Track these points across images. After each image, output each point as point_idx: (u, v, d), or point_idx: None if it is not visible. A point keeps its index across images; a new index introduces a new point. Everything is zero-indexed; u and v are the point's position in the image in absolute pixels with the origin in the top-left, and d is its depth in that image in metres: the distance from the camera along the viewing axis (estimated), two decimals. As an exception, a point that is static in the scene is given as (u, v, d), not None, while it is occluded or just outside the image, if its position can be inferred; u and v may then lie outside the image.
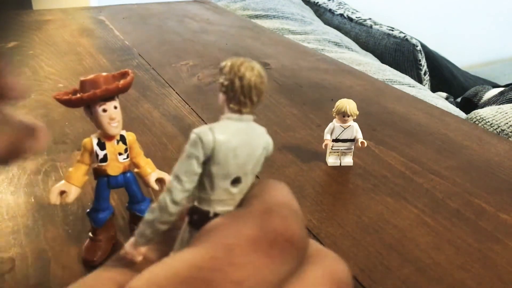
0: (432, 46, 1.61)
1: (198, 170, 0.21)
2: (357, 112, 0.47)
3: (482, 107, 1.04)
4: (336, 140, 0.49)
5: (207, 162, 0.21)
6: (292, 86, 0.73)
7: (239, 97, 0.22)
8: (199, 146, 0.21)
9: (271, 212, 0.19)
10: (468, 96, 1.25)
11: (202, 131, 0.21)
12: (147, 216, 0.21)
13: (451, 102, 1.22)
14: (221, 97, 0.22)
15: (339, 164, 0.50)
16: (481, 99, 1.21)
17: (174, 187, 0.21)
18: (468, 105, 1.22)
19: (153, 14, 1.21)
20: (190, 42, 0.97)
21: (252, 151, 0.22)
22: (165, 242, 0.22)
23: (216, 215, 0.21)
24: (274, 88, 0.72)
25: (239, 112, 0.22)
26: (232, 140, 0.21)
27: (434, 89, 1.45)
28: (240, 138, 0.22)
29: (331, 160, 0.50)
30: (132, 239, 0.21)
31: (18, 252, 0.37)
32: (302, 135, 0.57)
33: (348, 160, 0.50)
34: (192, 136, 0.21)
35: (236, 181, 0.22)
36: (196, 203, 0.22)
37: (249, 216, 0.19)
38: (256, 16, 1.35)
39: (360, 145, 0.48)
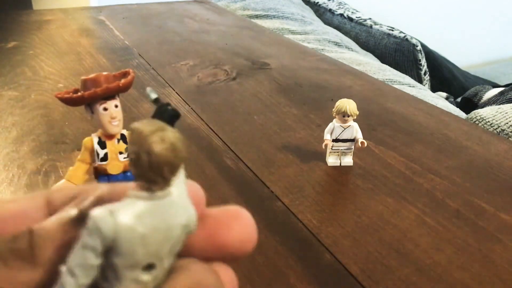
0: (432, 46, 1.61)
1: (96, 262, 0.18)
2: (357, 112, 0.47)
3: (482, 107, 1.04)
4: (336, 140, 0.49)
5: (108, 252, 0.18)
6: (292, 86, 0.74)
7: (147, 174, 0.19)
8: (96, 235, 0.18)
9: None
10: (468, 96, 1.25)
11: (100, 216, 0.18)
12: None
13: (451, 102, 1.22)
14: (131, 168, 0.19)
15: (339, 164, 0.50)
16: (481, 99, 1.21)
17: (66, 282, 0.18)
18: (468, 105, 1.22)
19: (153, 14, 1.21)
20: (190, 42, 0.97)
21: (167, 234, 0.19)
22: None
23: None
24: (274, 88, 0.72)
25: (149, 190, 0.19)
26: (139, 226, 0.18)
27: (434, 89, 1.45)
28: (151, 222, 0.19)
29: (331, 160, 0.50)
30: None
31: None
32: (302, 135, 0.57)
33: (348, 160, 0.50)
34: (89, 222, 0.18)
35: (148, 268, 0.19)
36: None
37: None
38: (256, 16, 1.35)
39: (360, 145, 0.48)
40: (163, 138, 0.18)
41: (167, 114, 0.22)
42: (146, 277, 0.19)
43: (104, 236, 0.18)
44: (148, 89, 0.24)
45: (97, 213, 0.18)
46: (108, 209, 0.18)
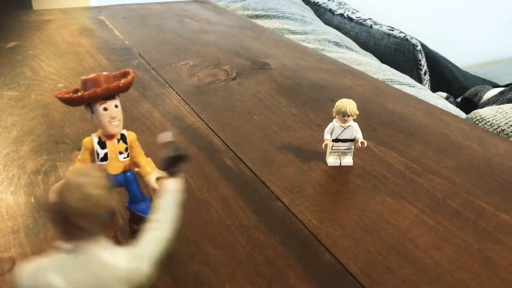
0: (432, 46, 1.61)
1: None
2: (357, 112, 0.47)
3: (482, 107, 1.04)
4: (336, 140, 0.49)
5: None
6: (292, 86, 0.73)
7: (64, 226, 0.18)
8: None
9: None
10: (468, 96, 1.25)
11: (20, 274, 0.18)
12: None
13: (451, 102, 1.22)
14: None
15: (339, 164, 0.50)
16: (481, 99, 1.21)
17: None
18: (468, 105, 1.22)
19: (153, 14, 1.21)
20: (190, 42, 0.97)
21: (98, 286, 0.19)
22: None
23: None
24: (274, 88, 0.72)
25: (73, 243, 0.19)
26: (61, 282, 0.18)
27: (434, 89, 1.45)
28: (75, 278, 0.19)
29: (331, 160, 0.50)
30: None
31: (18, 252, 0.37)
32: (302, 135, 0.57)
33: (348, 160, 0.50)
34: (15, 278, 0.18)
35: None
36: None
37: None
38: (256, 16, 1.35)
39: (360, 145, 0.48)
40: (77, 186, 0.18)
41: (177, 156, 0.23)
42: None
43: None
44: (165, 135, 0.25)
45: (20, 270, 0.18)
46: (30, 267, 0.18)
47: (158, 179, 0.35)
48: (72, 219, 0.18)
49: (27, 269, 0.19)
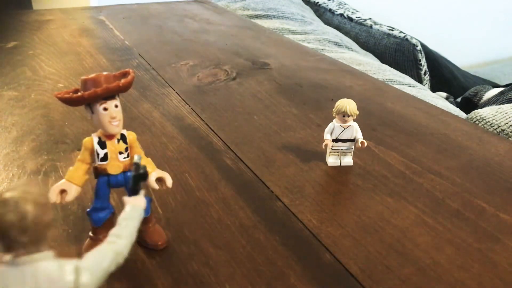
0: (432, 46, 1.61)
1: None
2: (357, 112, 0.47)
3: (482, 107, 1.04)
4: (336, 140, 0.49)
5: None
6: (292, 86, 0.73)
7: (3, 241, 0.19)
8: None
9: None
10: (468, 96, 1.25)
11: None
12: None
13: (451, 102, 1.22)
14: None
15: (339, 164, 0.50)
16: (481, 99, 1.21)
17: None
18: (468, 105, 1.22)
19: (153, 14, 1.21)
20: (190, 42, 0.97)
21: None
22: None
23: None
24: (274, 88, 0.72)
25: (12, 256, 0.19)
26: None
27: (434, 89, 1.45)
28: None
29: (331, 160, 0.50)
30: None
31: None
32: (302, 135, 0.57)
33: (348, 160, 0.50)
34: None
35: None
36: None
37: None
38: (256, 16, 1.35)
39: (360, 145, 0.48)
40: (5, 202, 0.18)
41: (137, 175, 0.28)
42: None
43: None
44: (136, 157, 0.29)
45: None
46: None
47: (158, 179, 0.35)
48: (10, 235, 0.19)
49: None
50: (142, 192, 0.28)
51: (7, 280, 0.19)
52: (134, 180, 0.28)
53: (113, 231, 0.24)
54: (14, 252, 0.19)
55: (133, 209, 0.26)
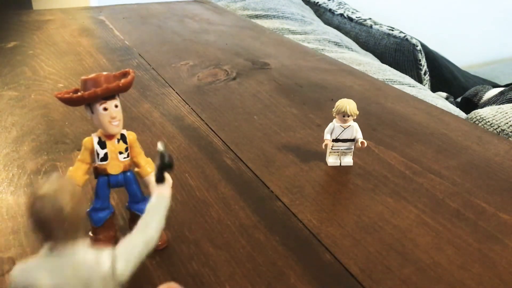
0: (432, 46, 1.61)
1: None
2: (357, 112, 0.47)
3: (482, 107, 1.04)
4: (336, 140, 0.49)
5: None
6: (292, 86, 0.74)
7: (40, 233, 0.20)
8: None
9: None
10: (468, 96, 1.25)
11: (13, 274, 0.20)
12: None
13: (451, 102, 1.22)
14: None
15: (339, 164, 0.50)
16: (481, 99, 1.21)
17: None
18: (468, 105, 1.22)
19: (153, 14, 1.21)
20: (190, 42, 0.97)
21: (80, 287, 0.21)
22: None
23: None
24: (274, 88, 0.72)
25: (51, 247, 0.21)
26: (48, 280, 0.20)
27: (434, 89, 1.45)
28: (60, 276, 0.20)
29: (331, 160, 0.50)
30: None
31: (18, 252, 0.37)
32: (302, 135, 0.57)
33: (348, 160, 0.50)
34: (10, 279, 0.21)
35: None
36: None
37: None
38: (256, 16, 1.35)
39: (360, 145, 0.48)
40: (43, 197, 0.20)
41: (162, 164, 0.27)
42: None
43: None
44: (160, 144, 0.28)
45: (12, 272, 0.21)
46: (20, 267, 0.21)
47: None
48: (43, 226, 0.20)
49: (18, 270, 0.20)
50: (167, 181, 0.28)
51: (47, 269, 0.20)
52: (160, 170, 0.28)
53: (143, 219, 0.25)
54: (52, 242, 0.20)
55: (160, 198, 0.26)
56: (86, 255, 0.21)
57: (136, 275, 0.26)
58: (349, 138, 0.48)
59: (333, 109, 0.48)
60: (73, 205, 0.20)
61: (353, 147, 0.49)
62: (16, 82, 0.74)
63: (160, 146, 0.28)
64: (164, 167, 0.27)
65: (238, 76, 0.77)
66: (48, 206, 0.20)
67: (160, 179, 0.27)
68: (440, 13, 2.16)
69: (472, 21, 2.24)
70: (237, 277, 0.35)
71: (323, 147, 0.49)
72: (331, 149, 0.49)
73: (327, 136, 0.48)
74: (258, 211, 0.42)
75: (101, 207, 0.35)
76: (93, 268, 0.21)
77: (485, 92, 1.23)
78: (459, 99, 1.30)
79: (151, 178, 0.35)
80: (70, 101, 0.33)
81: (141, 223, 0.25)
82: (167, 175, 0.28)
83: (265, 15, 1.36)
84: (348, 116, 0.47)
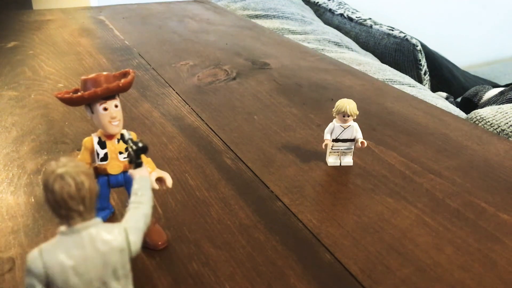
0: (432, 46, 1.61)
1: None
2: (357, 112, 0.47)
3: (482, 107, 1.04)
4: (336, 140, 0.49)
5: (50, 286, 0.21)
6: (292, 86, 0.74)
7: (60, 211, 0.21)
8: (30, 275, 0.21)
9: None
10: (468, 96, 1.25)
11: (30, 258, 0.21)
12: None
13: (451, 102, 1.22)
14: None
15: (339, 164, 0.50)
16: (481, 99, 1.21)
17: None
18: (468, 105, 1.22)
19: (153, 14, 1.21)
20: (190, 42, 0.97)
21: (101, 261, 0.22)
22: None
23: None
24: (274, 88, 0.72)
25: (69, 225, 0.22)
26: (67, 259, 0.21)
27: (434, 89, 1.45)
28: (79, 254, 0.21)
29: (331, 160, 0.50)
30: None
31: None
32: (302, 135, 0.57)
33: (348, 160, 0.50)
34: (26, 263, 0.21)
35: None
36: None
37: None
38: (256, 16, 1.35)
39: (360, 145, 0.48)
40: (61, 176, 0.21)
41: (138, 149, 0.29)
42: None
43: (36, 274, 0.21)
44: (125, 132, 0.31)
45: (29, 255, 0.21)
46: (38, 249, 0.21)
47: (157, 179, 0.35)
48: (63, 203, 0.21)
49: (35, 253, 0.21)
50: (144, 164, 0.29)
51: (65, 250, 0.21)
52: (136, 154, 0.29)
53: (133, 200, 0.26)
54: (71, 220, 0.21)
55: (142, 179, 0.27)
56: (101, 231, 0.22)
57: (136, 275, 0.26)
58: (349, 138, 0.48)
59: (333, 109, 0.48)
60: (90, 183, 0.21)
61: (353, 147, 0.49)
62: (16, 82, 0.74)
63: (126, 134, 0.30)
64: (140, 151, 0.29)
65: (238, 76, 0.77)
66: (70, 184, 0.21)
67: (138, 164, 0.29)
68: (440, 13, 2.16)
69: (472, 21, 2.24)
70: (237, 277, 0.35)
71: (323, 147, 0.49)
72: (331, 149, 0.49)
73: (327, 136, 0.48)
74: (258, 211, 0.42)
75: (101, 207, 0.35)
76: (110, 242, 0.22)
77: (485, 92, 1.23)
78: (459, 99, 1.30)
79: (151, 177, 0.35)
80: (70, 101, 0.33)
81: (132, 201, 0.26)
82: (143, 158, 0.29)
83: (265, 15, 1.36)
84: (348, 116, 0.47)
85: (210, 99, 0.67)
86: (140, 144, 0.29)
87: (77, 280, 0.21)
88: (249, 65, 0.83)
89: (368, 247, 0.38)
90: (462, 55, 2.03)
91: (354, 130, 0.48)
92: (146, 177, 0.28)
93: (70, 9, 1.25)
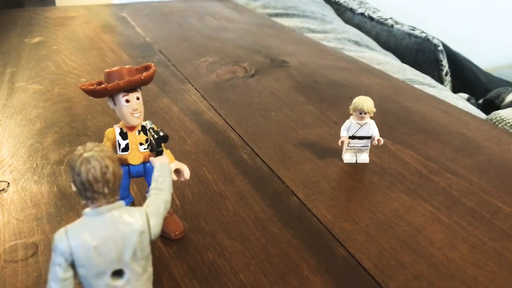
0: (455, 47, 1.59)
1: (66, 275, 0.22)
2: (374, 110, 0.47)
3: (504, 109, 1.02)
4: (352, 137, 0.49)
5: (74, 264, 0.22)
6: (310, 84, 0.74)
7: (85, 193, 0.22)
8: (57, 253, 0.22)
9: None
10: (490, 98, 1.23)
11: (57, 237, 0.22)
12: None
13: (472, 104, 1.21)
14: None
15: (355, 161, 0.50)
16: (504, 101, 1.19)
17: None
18: (490, 107, 1.20)
19: (174, 12, 1.22)
20: (210, 39, 0.98)
21: (122, 242, 0.23)
22: None
23: None
24: (292, 85, 0.73)
25: (94, 206, 0.23)
26: (91, 239, 0.22)
27: (456, 90, 1.43)
28: (102, 234, 0.22)
29: (347, 157, 0.50)
30: None
31: (41, 238, 0.38)
32: (319, 132, 0.57)
33: (364, 158, 0.50)
34: (53, 242, 0.22)
35: (117, 274, 0.23)
36: None
37: None
38: (276, 15, 1.36)
39: (376, 142, 0.48)
40: (88, 160, 0.22)
41: (159, 138, 0.30)
42: (117, 282, 0.23)
43: (62, 252, 0.22)
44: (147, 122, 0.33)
45: (57, 234, 0.22)
46: (64, 229, 0.22)
47: (176, 170, 0.36)
48: (89, 186, 0.22)
49: (61, 233, 0.22)
50: (165, 152, 0.30)
51: (88, 231, 0.22)
52: (157, 143, 0.30)
53: (153, 186, 0.27)
54: (96, 202, 0.22)
55: (162, 167, 0.28)
56: (123, 214, 0.23)
57: (153, 263, 0.27)
58: (365, 135, 0.49)
59: (350, 106, 0.48)
60: (115, 167, 0.22)
61: (369, 144, 0.49)
62: (41, 76, 0.76)
63: (148, 123, 0.31)
64: (161, 140, 0.30)
65: (256, 73, 0.78)
66: (97, 167, 0.22)
67: (159, 152, 0.30)
68: (462, 13, 2.13)
69: (495, 22, 2.21)
70: (251, 267, 0.35)
71: (340, 144, 0.49)
72: (348, 146, 0.50)
73: (344, 133, 0.49)
74: (273, 205, 0.43)
75: (121, 196, 0.36)
76: (132, 224, 0.23)
77: (508, 94, 1.21)
78: (481, 101, 1.28)
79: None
80: (93, 93, 0.34)
81: (153, 188, 0.27)
82: (163, 147, 0.30)
83: (285, 13, 1.36)
84: (365, 114, 0.47)
85: (229, 96, 0.68)
86: (161, 133, 0.30)
87: (100, 260, 0.22)
88: (268, 63, 0.83)
89: (382, 243, 0.38)
90: (485, 57, 2.00)
91: (371, 128, 0.48)
92: (166, 164, 0.29)
93: (93, 6, 1.28)
